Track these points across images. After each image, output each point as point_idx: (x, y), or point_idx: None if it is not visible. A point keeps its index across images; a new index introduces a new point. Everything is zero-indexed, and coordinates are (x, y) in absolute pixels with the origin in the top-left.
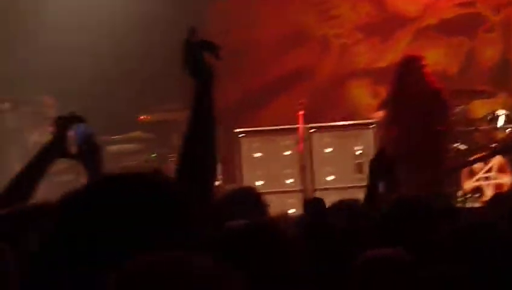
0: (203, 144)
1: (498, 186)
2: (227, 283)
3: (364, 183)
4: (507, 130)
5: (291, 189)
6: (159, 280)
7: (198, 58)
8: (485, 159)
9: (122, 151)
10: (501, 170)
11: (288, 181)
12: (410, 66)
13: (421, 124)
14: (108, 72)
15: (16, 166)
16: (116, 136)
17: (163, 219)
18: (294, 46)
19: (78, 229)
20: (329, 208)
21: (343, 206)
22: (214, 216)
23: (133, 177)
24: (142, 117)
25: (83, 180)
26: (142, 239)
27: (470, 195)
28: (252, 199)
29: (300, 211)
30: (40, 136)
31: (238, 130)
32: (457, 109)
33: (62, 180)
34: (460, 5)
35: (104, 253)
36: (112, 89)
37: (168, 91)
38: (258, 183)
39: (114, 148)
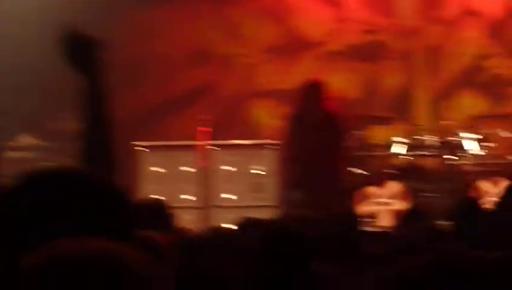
0: (101, 135)
1: (392, 211)
2: (151, 278)
3: (262, 203)
4: (404, 157)
5: (189, 205)
6: (74, 263)
7: (82, 52)
8: (380, 184)
9: (16, 159)
10: (396, 195)
11: (187, 197)
12: (311, 90)
13: (319, 147)
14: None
15: None
16: (12, 143)
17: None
18: (198, 63)
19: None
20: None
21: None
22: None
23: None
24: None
25: None
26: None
27: (365, 219)
28: (161, 211)
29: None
30: None
31: (137, 143)
32: (357, 134)
33: None
34: (365, 32)
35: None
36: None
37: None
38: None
39: (8, 155)
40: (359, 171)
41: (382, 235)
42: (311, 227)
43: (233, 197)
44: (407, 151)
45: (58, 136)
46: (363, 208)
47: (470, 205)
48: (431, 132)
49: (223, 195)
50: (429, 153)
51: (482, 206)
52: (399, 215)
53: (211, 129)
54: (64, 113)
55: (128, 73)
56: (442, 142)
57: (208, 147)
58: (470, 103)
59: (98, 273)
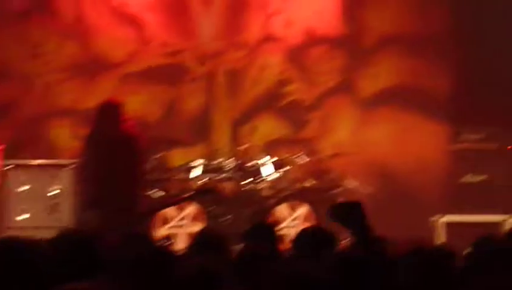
0: None
1: (188, 234)
2: None
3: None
4: (201, 180)
5: None
6: None
7: None
8: (177, 207)
9: None
10: (194, 218)
11: None
12: (107, 111)
13: (116, 169)
14: None
15: None
16: None
17: None
18: None
19: None
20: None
21: None
22: None
23: None
24: None
25: None
26: None
27: (161, 242)
28: None
29: None
30: None
31: None
32: (155, 157)
33: None
34: (166, 54)
35: None
36: None
37: None
38: None
39: None
40: (156, 193)
41: (177, 259)
42: (104, 248)
43: (28, 217)
44: (205, 174)
45: None
46: (160, 231)
47: (266, 229)
48: (230, 156)
49: (18, 216)
50: (227, 177)
51: (278, 231)
52: (193, 238)
53: (8, 148)
54: None
55: None
56: (240, 166)
57: (3, 166)
58: (269, 128)
59: None
